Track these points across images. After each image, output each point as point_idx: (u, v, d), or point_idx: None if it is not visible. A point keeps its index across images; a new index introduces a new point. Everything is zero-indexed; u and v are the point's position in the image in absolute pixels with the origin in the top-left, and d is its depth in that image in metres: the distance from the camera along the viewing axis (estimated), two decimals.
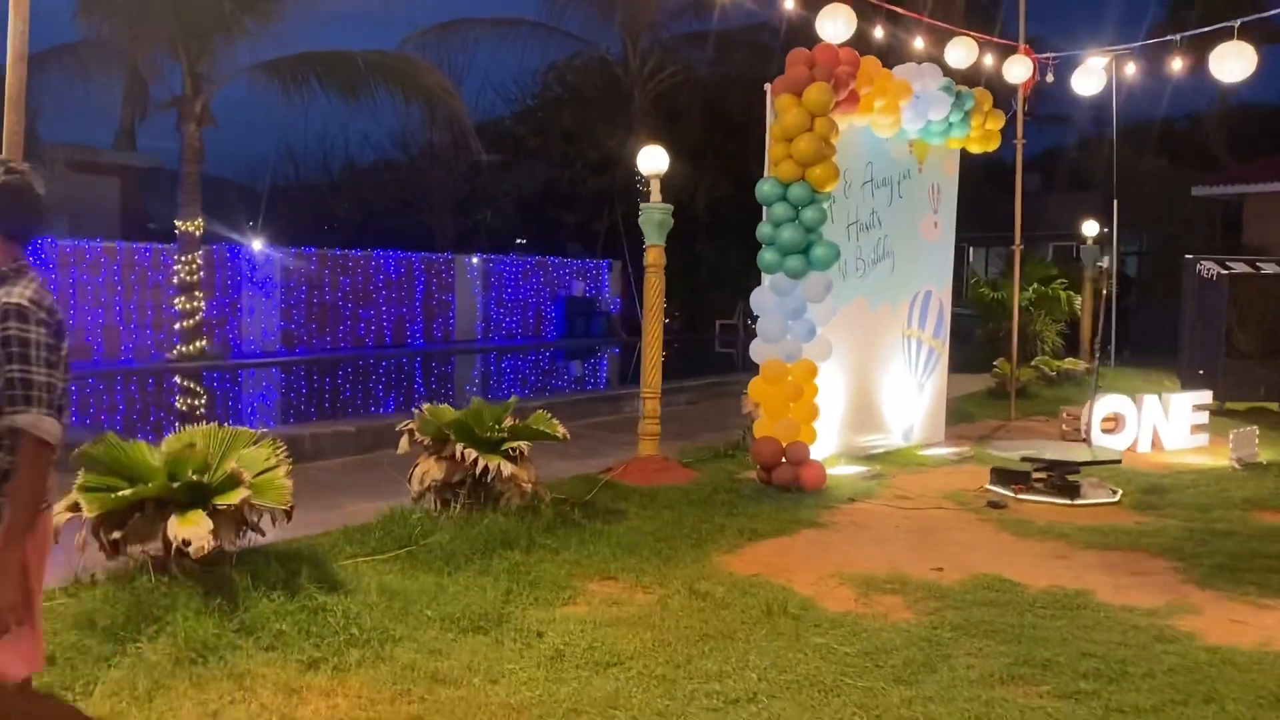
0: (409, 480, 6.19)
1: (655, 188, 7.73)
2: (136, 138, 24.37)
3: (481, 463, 5.85)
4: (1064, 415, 10.52)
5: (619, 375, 18.58)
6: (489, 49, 22.74)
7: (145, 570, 4.60)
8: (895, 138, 8.70)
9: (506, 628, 4.58)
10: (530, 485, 6.08)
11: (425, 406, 6.36)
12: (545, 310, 23.50)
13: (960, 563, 5.87)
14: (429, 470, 6.04)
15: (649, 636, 4.54)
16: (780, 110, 7.39)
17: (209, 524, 4.48)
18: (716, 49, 23.10)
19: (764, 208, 7.61)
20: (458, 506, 6.05)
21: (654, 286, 7.74)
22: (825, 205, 7.40)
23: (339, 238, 22.55)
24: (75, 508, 4.52)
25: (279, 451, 5.16)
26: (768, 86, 7.71)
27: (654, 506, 6.93)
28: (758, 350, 7.67)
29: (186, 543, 4.38)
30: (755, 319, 7.61)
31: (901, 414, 9.25)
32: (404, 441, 6.31)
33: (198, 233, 15.18)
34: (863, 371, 8.77)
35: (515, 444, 6.08)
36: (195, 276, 15.17)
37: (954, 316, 10.13)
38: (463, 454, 5.90)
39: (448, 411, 6.33)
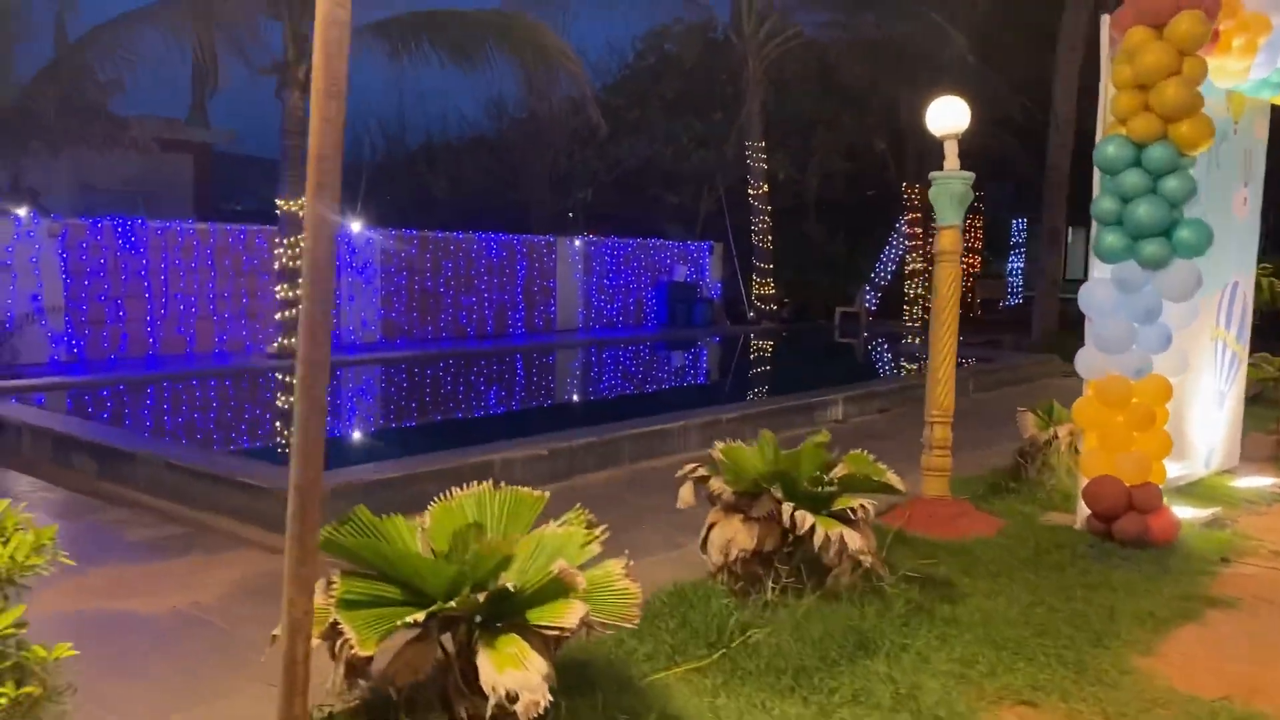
0: (704, 547, 4.58)
1: (952, 151, 6.02)
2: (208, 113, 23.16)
3: (820, 531, 4.22)
4: None
5: (770, 374, 16.71)
6: (586, 13, 21.03)
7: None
8: (1211, 88, 6.91)
9: None
10: (869, 558, 4.44)
11: (720, 446, 4.73)
12: (646, 297, 21.86)
13: None
14: (734, 536, 4.42)
15: None
16: (1134, 48, 5.63)
17: (541, 664, 2.88)
18: (832, 8, 21.19)
19: (1101, 177, 5.87)
20: (773, 587, 4.43)
21: (948, 278, 6.03)
22: (1193, 172, 5.66)
23: (433, 219, 21.02)
24: (335, 632, 2.96)
25: (586, 522, 3.57)
26: (1107, 18, 5.96)
27: (984, 574, 5.26)
28: (1087, 362, 5.96)
29: (513, 697, 2.79)
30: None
31: (1205, 435, 7.50)
32: (687, 492, 4.70)
33: (301, 213, 13.67)
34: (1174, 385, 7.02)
35: (851, 502, 4.43)
36: (299, 262, 13.67)
37: None
38: (791, 517, 4.27)
39: (747, 453, 4.69)
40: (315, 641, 2.94)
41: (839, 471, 4.56)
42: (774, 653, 4.05)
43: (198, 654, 4.19)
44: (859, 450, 4.88)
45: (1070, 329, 17.25)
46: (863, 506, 4.40)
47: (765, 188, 21.06)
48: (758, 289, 21.67)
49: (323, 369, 2.55)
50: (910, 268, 23.36)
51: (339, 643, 2.93)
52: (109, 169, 18.28)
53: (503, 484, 3.70)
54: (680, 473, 4.76)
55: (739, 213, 23.23)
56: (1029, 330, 17.04)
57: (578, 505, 3.71)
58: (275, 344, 13.79)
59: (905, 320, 23.09)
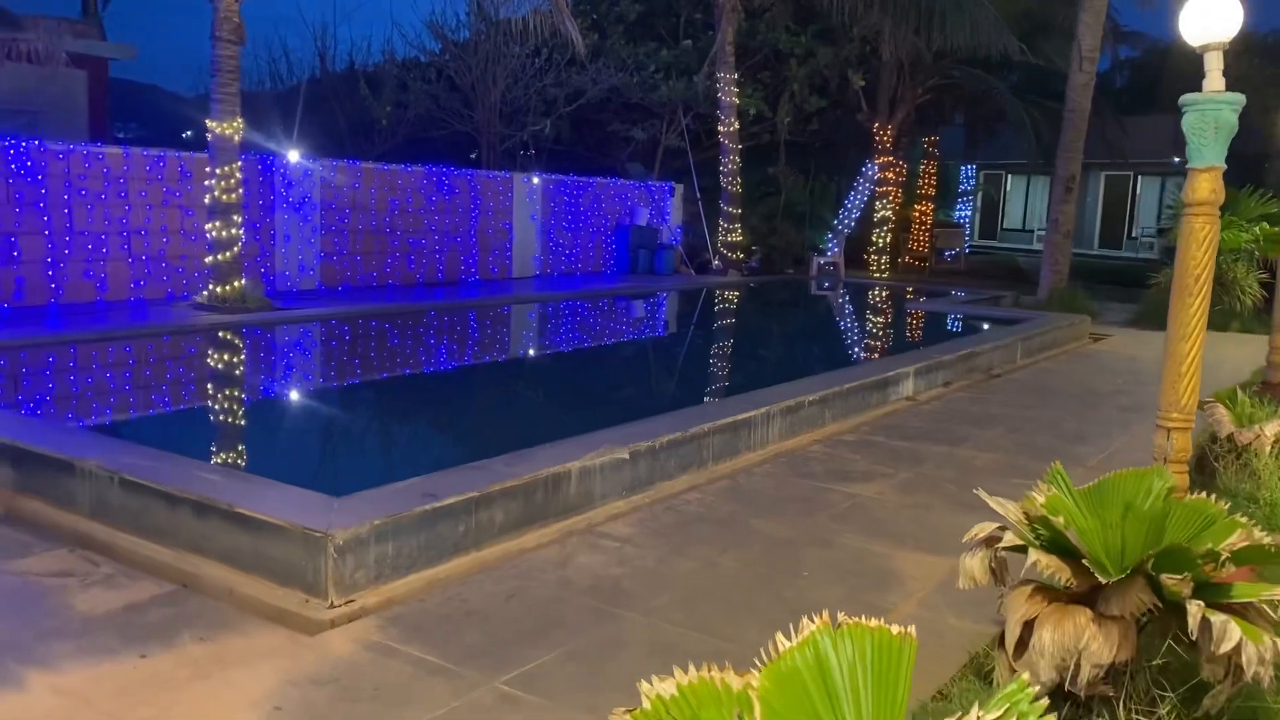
0: (1015, 650, 3.00)
1: (1215, 66, 4.45)
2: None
3: (1250, 648, 2.69)
4: None
5: (785, 335, 14.94)
6: None
7: None
8: None
9: None
10: (1266, 671, 2.93)
11: (1038, 498, 3.14)
12: (605, 241, 20.06)
13: None
14: (1087, 645, 2.85)
15: None
16: None
17: None
18: None
19: None
20: (1127, 706, 2.91)
21: (1203, 238, 4.48)
22: None
23: (375, 149, 18.73)
24: None
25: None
26: None
27: None
28: None
29: None
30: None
31: None
32: (977, 569, 3.11)
33: (236, 138, 11.48)
34: None
35: (1260, 592, 2.91)
36: (234, 195, 11.52)
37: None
38: (1202, 622, 2.73)
39: (1067, 506, 3.11)
40: None
41: (1234, 540, 3.01)
42: None
43: None
44: (1199, 494, 3.35)
45: (1078, 284, 16.22)
46: (1271, 598, 2.88)
47: (736, 125, 19.36)
48: (724, 235, 20.06)
49: None
50: (880, 215, 22.08)
51: None
52: None
53: (844, 622, 2.05)
54: (969, 536, 3.17)
55: (700, 152, 21.51)
56: (992, 281, 15.84)
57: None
58: (204, 292, 11.66)
59: (872, 271, 21.86)
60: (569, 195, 19.07)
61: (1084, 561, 2.93)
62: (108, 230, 11.99)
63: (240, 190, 11.69)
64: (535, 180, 18.36)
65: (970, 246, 29.21)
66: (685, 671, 1.95)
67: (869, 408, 7.91)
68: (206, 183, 11.59)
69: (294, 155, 14.23)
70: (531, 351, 12.83)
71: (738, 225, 19.97)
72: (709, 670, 1.96)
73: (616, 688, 3.24)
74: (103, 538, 4.57)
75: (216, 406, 8.28)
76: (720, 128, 19.44)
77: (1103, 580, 2.92)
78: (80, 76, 18.50)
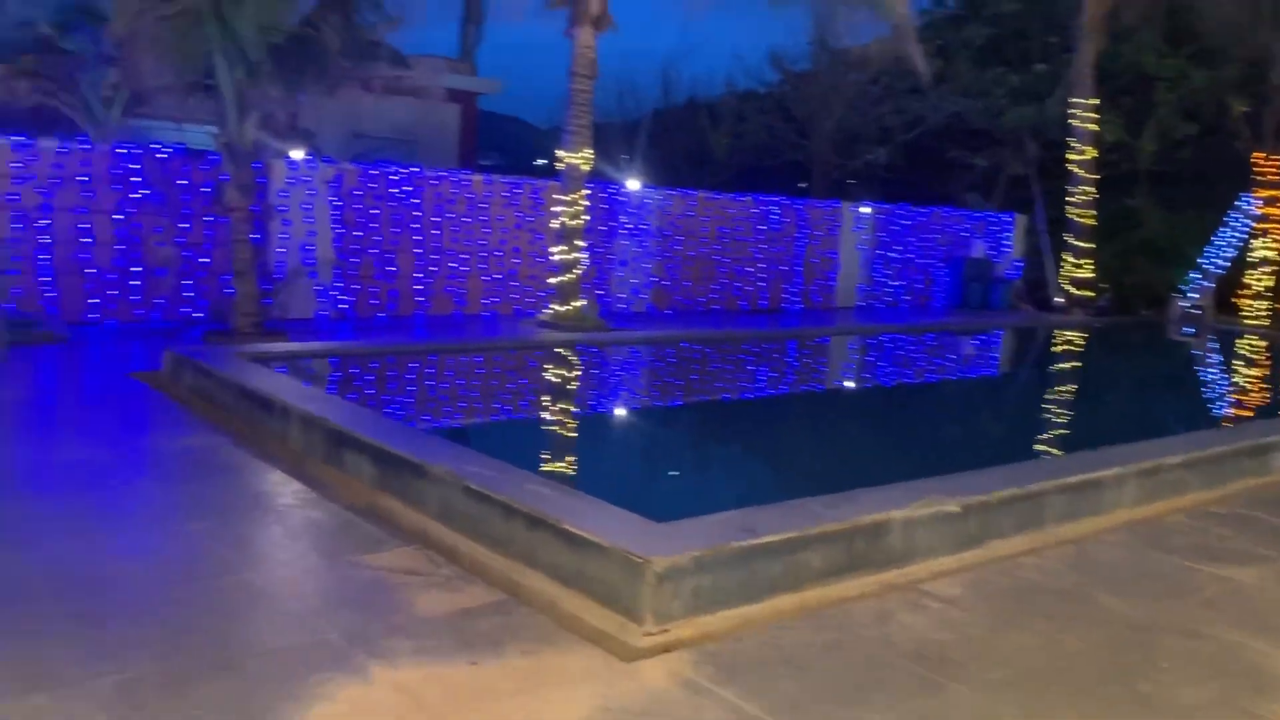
0: None
1: None
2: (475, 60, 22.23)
3: None
4: None
5: (1147, 388, 13.24)
6: None
7: None
8: None
9: None
10: None
11: None
12: (934, 273, 19.27)
13: None
14: None
15: None
16: None
17: None
18: None
19: None
20: None
21: None
22: None
23: (709, 179, 19.26)
24: None
25: None
26: None
27: None
28: None
29: None
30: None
31: None
32: None
33: (585, 167, 12.16)
34: None
35: None
36: (579, 221, 12.20)
37: None
38: None
39: None
40: None
41: None
42: None
43: None
44: None
45: None
46: None
47: (1091, 152, 17.93)
48: (1070, 271, 18.60)
49: None
50: (1259, 255, 19.52)
51: None
52: (380, 114, 17.53)
53: None
54: None
55: (1048, 181, 20.13)
56: None
57: None
58: (547, 311, 12.42)
59: (1246, 318, 19.35)
60: (898, 225, 18.54)
61: None
62: (469, 249, 13.12)
63: (585, 216, 12.36)
64: (865, 210, 18.02)
65: None
66: None
67: (1244, 476, 6.91)
68: (555, 209, 12.37)
69: (634, 184, 14.88)
70: (852, 385, 12.51)
71: (1087, 261, 18.48)
72: None
73: None
74: (446, 540, 4.89)
75: (551, 420, 8.74)
76: (1071, 155, 18.11)
77: None
78: (454, 109, 20.49)
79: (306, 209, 12.03)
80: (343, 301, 12.38)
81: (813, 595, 4.44)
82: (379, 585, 4.31)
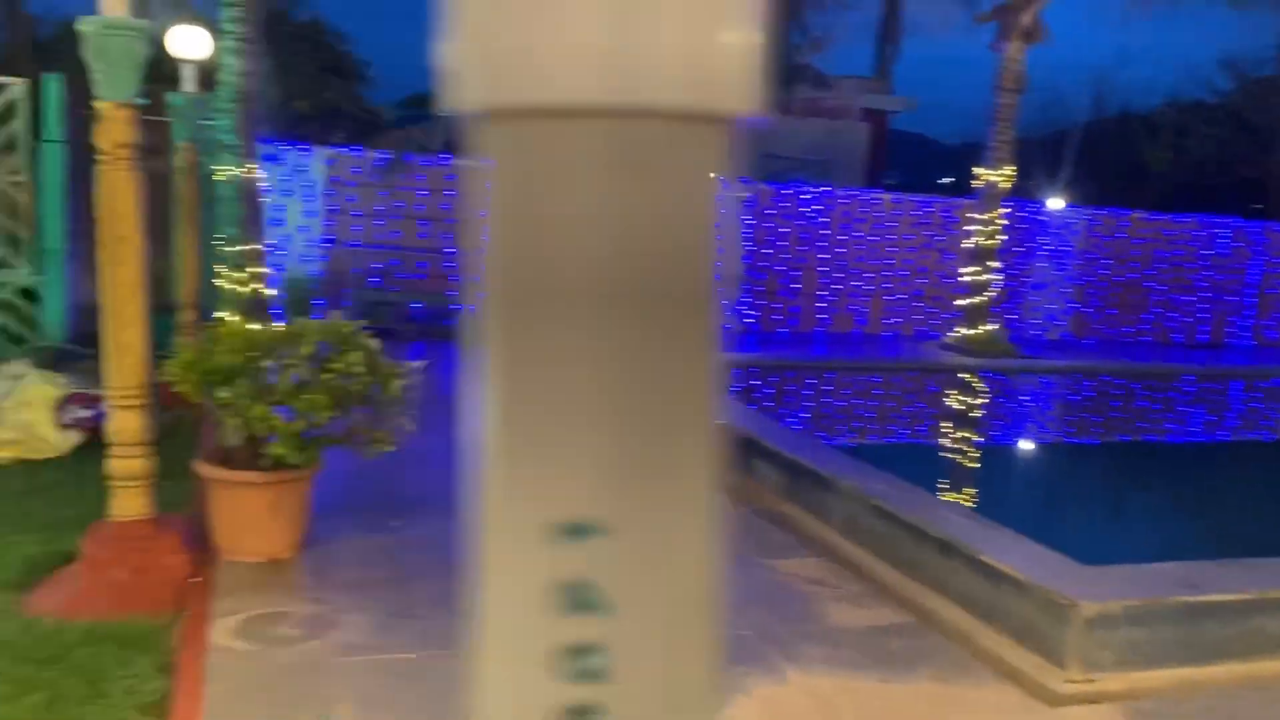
0: None
1: None
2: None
3: None
4: None
5: None
6: None
7: None
8: None
9: None
10: None
11: None
12: None
13: None
14: None
15: None
16: None
17: None
18: None
19: None
20: None
21: None
22: None
23: (1143, 197, 17.63)
24: None
25: None
26: None
27: None
28: None
29: None
30: None
31: None
32: None
33: (1005, 185, 11.63)
34: None
35: None
36: (995, 241, 11.69)
37: None
38: None
39: None
40: None
41: None
42: None
43: None
44: None
45: None
46: None
47: None
48: None
49: None
50: None
51: None
52: (792, 134, 17.94)
53: None
54: None
55: None
56: None
57: None
58: (955, 334, 12.01)
59: None
60: None
61: None
62: (873, 268, 13.04)
63: (1001, 236, 11.83)
64: None
65: None
66: None
67: None
68: (968, 228, 11.94)
69: (1057, 202, 13.98)
70: None
71: None
72: None
73: None
74: (850, 555, 4.90)
75: (957, 447, 8.45)
76: None
77: None
78: (864, 128, 20.48)
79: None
80: (748, 316, 12.82)
81: (1268, 667, 3.92)
82: (789, 591, 4.42)
